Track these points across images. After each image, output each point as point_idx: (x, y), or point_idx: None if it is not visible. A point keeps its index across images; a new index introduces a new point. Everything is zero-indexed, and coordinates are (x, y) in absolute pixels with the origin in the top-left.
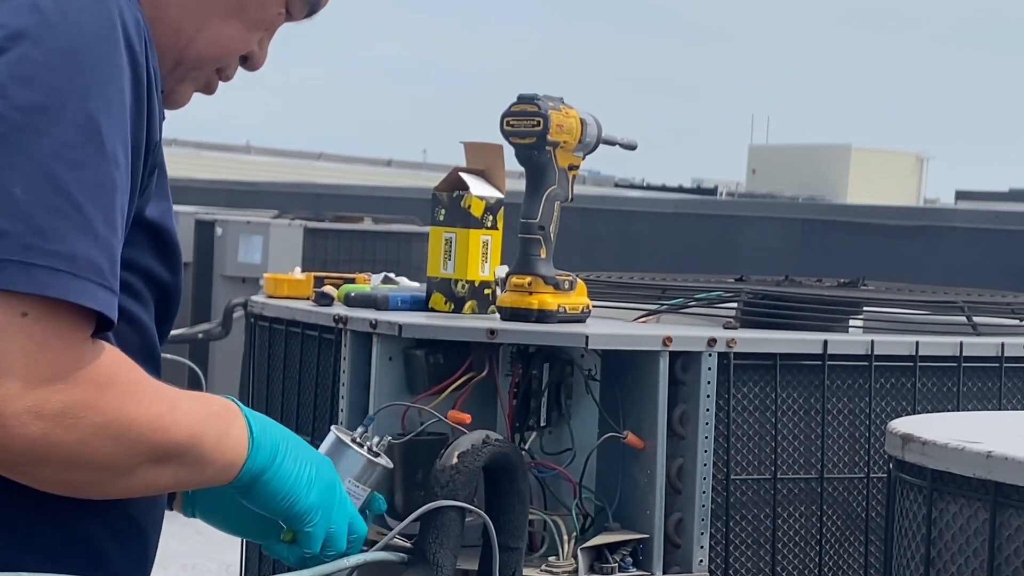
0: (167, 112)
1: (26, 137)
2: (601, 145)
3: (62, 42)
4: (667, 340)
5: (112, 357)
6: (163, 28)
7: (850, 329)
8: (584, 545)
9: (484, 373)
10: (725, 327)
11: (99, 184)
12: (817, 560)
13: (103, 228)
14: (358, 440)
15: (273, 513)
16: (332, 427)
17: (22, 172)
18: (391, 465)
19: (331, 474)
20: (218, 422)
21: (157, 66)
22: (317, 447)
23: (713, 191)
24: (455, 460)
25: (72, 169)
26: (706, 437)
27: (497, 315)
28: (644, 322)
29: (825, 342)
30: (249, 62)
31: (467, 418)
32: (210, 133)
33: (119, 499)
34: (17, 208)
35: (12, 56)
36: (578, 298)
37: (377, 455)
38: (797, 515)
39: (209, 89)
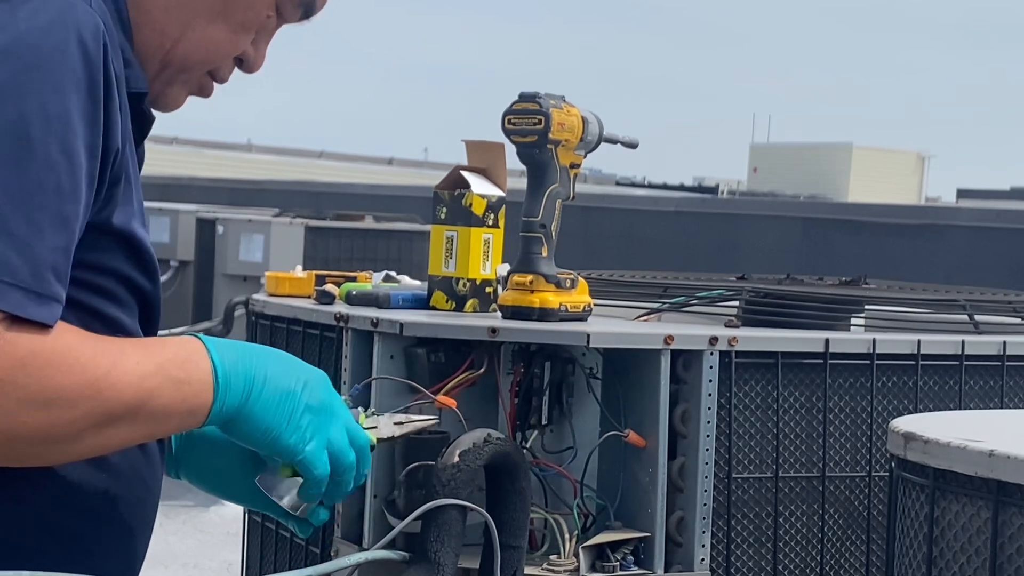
0: (160, 113)
1: None
2: (602, 143)
3: (5, 42)
4: (669, 339)
5: (36, 332)
6: (148, 31)
7: (852, 327)
8: (585, 544)
9: (482, 370)
10: (727, 325)
11: (22, 185)
12: (819, 559)
13: (21, 228)
14: None
15: (260, 449)
16: None
17: None
18: (373, 440)
19: (319, 388)
20: (175, 370)
21: (121, 71)
22: None
23: (714, 190)
24: (456, 459)
25: None
26: (708, 435)
27: (498, 313)
28: (646, 320)
29: (827, 340)
30: (245, 64)
31: (452, 403)
32: (211, 131)
33: (105, 497)
34: None
35: None
36: (579, 296)
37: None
38: (799, 513)
39: (203, 92)
